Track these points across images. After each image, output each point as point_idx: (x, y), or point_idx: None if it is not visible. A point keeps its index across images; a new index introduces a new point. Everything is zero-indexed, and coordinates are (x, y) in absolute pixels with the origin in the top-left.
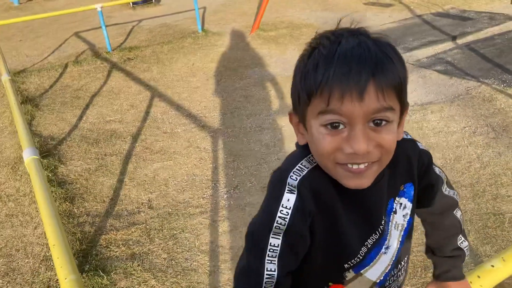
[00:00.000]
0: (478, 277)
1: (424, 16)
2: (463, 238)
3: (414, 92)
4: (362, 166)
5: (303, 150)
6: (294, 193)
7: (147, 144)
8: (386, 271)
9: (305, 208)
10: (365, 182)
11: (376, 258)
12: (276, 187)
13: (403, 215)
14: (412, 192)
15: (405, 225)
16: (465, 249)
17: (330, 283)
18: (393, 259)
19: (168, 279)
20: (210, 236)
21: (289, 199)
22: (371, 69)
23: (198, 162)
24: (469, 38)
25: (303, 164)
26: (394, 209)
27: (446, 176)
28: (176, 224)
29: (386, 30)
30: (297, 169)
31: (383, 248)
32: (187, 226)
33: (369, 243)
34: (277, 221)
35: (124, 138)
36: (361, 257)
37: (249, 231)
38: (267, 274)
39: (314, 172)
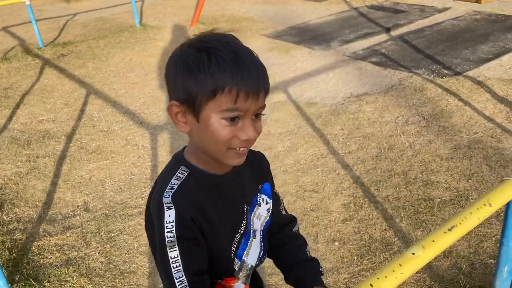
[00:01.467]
0: (400, 265)
1: (360, 9)
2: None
3: (351, 83)
4: (245, 149)
5: (173, 166)
6: (172, 208)
7: (82, 143)
8: (260, 255)
9: (185, 215)
10: (243, 160)
11: (249, 242)
12: (156, 210)
13: (267, 209)
14: (270, 190)
15: (267, 218)
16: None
17: (223, 277)
18: (261, 244)
19: (106, 283)
20: None
21: (170, 215)
22: (263, 79)
23: (136, 161)
24: (402, 30)
25: (172, 183)
26: (258, 203)
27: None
28: (114, 226)
29: (323, 23)
30: (168, 188)
31: (251, 232)
32: (125, 228)
33: (241, 230)
34: (167, 236)
35: (57, 138)
36: (236, 243)
37: (155, 259)
38: (177, 282)
39: (185, 185)
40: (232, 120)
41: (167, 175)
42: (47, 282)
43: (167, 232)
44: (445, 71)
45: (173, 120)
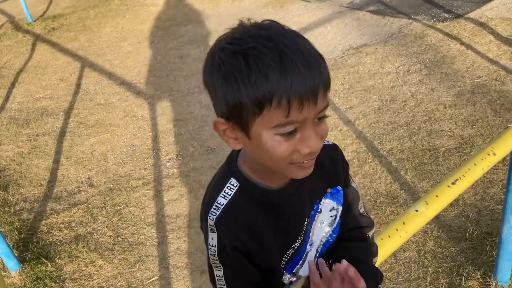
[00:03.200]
0: (403, 223)
1: None
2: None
3: (349, 35)
4: (311, 160)
5: (222, 176)
6: (215, 232)
7: (81, 118)
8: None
9: (228, 245)
10: (310, 171)
11: (304, 256)
12: (203, 226)
13: (331, 216)
14: (341, 195)
15: (335, 225)
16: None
17: None
18: (317, 253)
19: (116, 256)
20: (155, 207)
21: (213, 238)
22: (318, 74)
23: (136, 132)
24: None
25: (218, 202)
26: (319, 210)
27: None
28: (119, 199)
29: None
30: (213, 208)
31: (308, 245)
32: (130, 200)
33: (296, 245)
34: (211, 257)
35: (56, 115)
36: (288, 257)
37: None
38: None
39: (232, 205)
40: (289, 134)
41: (216, 188)
42: (58, 259)
43: (211, 254)
44: (446, 15)
45: (222, 137)
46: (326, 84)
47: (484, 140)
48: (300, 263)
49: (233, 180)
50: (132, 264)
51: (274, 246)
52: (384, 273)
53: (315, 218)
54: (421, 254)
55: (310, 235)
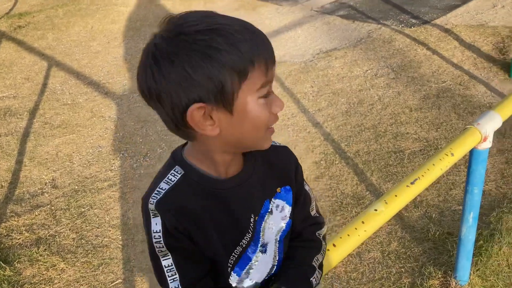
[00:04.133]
0: (362, 222)
1: None
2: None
3: (319, 39)
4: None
5: (167, 166)
6: (158, 216)
7: (46, 119)
8: (271, 272)
9: (171, 226)
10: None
11: (254, 257)
12: (144, 216)
13: (282, 217)
14: (291, 195)
15: (284, 227)
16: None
17: None
18: (277, 258)
19: (79, 260)
20: (120, 209)
21: (156, 223)
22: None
23: (103, 133)
24: None
25: (160, 187)
26: (269, 210)
27: (314, 197)
28: (84, 201)
29: None
30: (155, 193)
31: (259, 246)
32: (95, 202)
33: (244, 243)
34: (157, 246)
35: (20, 114)
36: (236, 256)
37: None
38: None
39: (174, 189)
40: (266, 96)
41: (159, 177)
42: (17, 263)
43: (156, 242)
44: (413, 21)
45: (197, 128)
46: None
47: (448, 142)
48: (249, 264)
49: (177, 168)
50: (96, 267)
51: (217, 238)
52: (348, 274)
53: (265, 218)
54: (385, 255)
55: (261, 235)
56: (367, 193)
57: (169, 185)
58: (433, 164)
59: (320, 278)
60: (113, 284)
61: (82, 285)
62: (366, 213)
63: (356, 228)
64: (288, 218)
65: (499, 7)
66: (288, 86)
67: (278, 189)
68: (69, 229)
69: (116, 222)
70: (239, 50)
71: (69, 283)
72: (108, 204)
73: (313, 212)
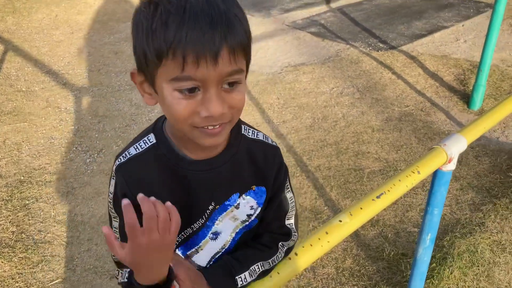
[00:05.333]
0: (326, 233)
1: None
2: (259, 270)
3: (289, 53)
4: (217, 127)
5: (145, 130)
6: (114, 178)
7: None
8: (215, 258)
9: (121, 192)
10: (219, 140)
11: (202, 242)
12: (111, 172)
13: (247, 215)
14: (264, 197)
15: (247, 223)
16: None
17: None
18: (225, 247)
19: (17, 255)
20: (68, 204)
21: (111, 184)
22: (223, 32)
23: (57, 124)
24: (341, 2)
25: (129, 151)
26: (237, 204)
27: (295, 208)
28: (29, 193)
29: None
30: (122, 155)
31: (210, 233)
32: (41, 195)
33: (194, 226)
34: (109, 206)
35: None
36: (184, 237)
37: None
38: (112, 255)
39: (139, 157)
40: (190, 91)
41: (133, 140)
42: None
43: (109, 202)
44: (381, 45)
45: (139, 90)
46: (234, 46)
47: (407, 165)
48: (196, 248)
49: (151, 136)
50: (35, 264)
51: None
52: None
53: (228, 210)
54: (339, 271)
55: (215, 223)
56: (325, 208)
57: (136, 151)
58: (399, 180)
59: (250, 283)
60: (52, 283)
61: (17, 282)
62: (330, 223)
63: (319, 239)
64: (255, 218)
65: (462, 41)
66: (255, 95)
67: (253, 187)
68: (9, 222)
69: (62, 217)
70: (163, 32)
71: (3, 279)
72: (55, 199)
73: (288, 222)
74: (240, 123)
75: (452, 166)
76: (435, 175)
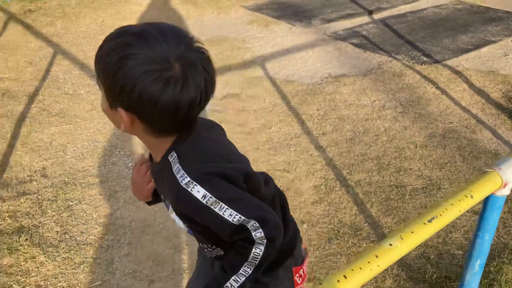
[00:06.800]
0: (376, 256)
1: None
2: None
3: (329, 64)
4: None
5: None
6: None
7: (44, 105)
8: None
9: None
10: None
11: (169, 210)
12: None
13: (177, 220)
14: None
15: (188, 228)
16: None
17: None
18: (185, 229)
19: (60, 255)
20: (110, 208)
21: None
22: None
23: (102, 127)
24: (384, 14)
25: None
26: (170, 208)
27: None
28: (73, 194)
29: (306, 0)
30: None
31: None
32: (84, 197)
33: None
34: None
35: (18, 98)
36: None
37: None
38: None
39: None
40: None
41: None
42: None
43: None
44: (425, 58)
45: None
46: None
47: (451, 184)
48: (169, 210)
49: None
50: (77, 265)
51: None
52: None
53: (170, 208)
54: None
55: (169, 209)
56: (365, 224)
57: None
58: (451, 204)
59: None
60: (93, 285)
61: (60, 281)
62: (380, 247)
63: (369, 262)
64: (188, 228)
65: (511, 56)
66: (294, 106)
67: (169, 203)
68: (54, 222)
69: (104, 220)
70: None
71: (47, 277)
72: (97, 201)
73: (238, 237)
74: (174, 149)
75: (507, 191)
76: (488, 199)
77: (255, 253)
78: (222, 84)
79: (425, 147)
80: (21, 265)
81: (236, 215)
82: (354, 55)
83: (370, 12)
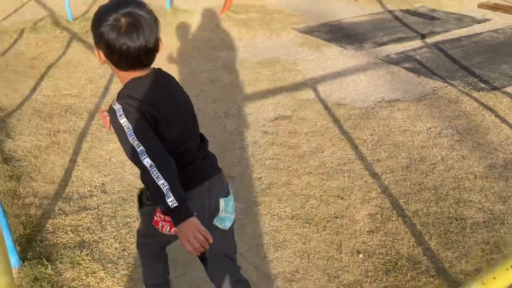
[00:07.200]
0: None
1: (394, 12)
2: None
3: (382, 88)
4: None
5: None
6: None
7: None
8: None
9: None
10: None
11: None
12: None
13: None
14: None
15: None
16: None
17: None
18: None
19: (119, 271)
20: (168, 227)
21: None
22: None
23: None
24: (438, 38)
25: None
26: None
27: None
28: (131, 211)
29: (357, 23)
30: None
31: None
32: None
33: None
34: None
35: (80, 114)
36: None
37: None
38: None
39: None
40: None
41: None
42: (59, 263)
43: None
44: (482, 85)
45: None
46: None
47: None
48: None
49: None
50: (135, 282)
51: None
52: None
53: None
54: None
55: None
56: (424, 257)
57: None
58: None
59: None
60: None
61: None
62: None
63: None
64: None
65: None
66: (347, 130)
67: None
68: (113, 238)
69: None
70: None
71: None
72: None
73: None
74: (125, 84)
75: None
76: None
77: None
78: (273, 106)
79: (485, 178)
80: (82, 279)
81: (133, 139)
82: (407, 80)
83: (423, 36)
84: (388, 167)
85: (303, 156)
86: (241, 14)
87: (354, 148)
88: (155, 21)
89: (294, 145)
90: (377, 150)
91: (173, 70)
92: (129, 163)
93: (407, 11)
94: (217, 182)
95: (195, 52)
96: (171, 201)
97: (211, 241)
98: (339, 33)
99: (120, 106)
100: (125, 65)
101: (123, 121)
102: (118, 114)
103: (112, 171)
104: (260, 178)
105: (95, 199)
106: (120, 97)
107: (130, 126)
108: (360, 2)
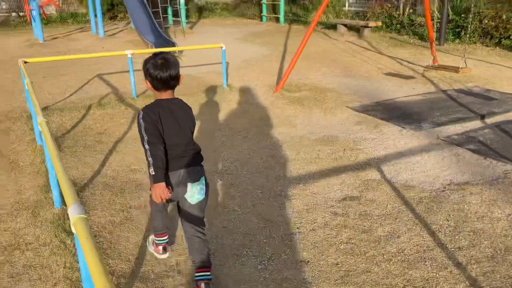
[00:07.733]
0: None
1: (448, 92)
2: None
3: (448, 169)
4: None
5: None
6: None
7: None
8: None
9: None
10: None
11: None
12: None
13: None
14: None
15: None
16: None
17: None
18: None
19: None
20: None
21: None
22: None
23: (227, 224)
24: (498, 118)
25: None
26: None
27: None
28: None
29: (411, 102)
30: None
31: None
32: None
33: None
34: None
35: (149, 190)
36: None
37: None
38: None
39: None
40: None
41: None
42: None
43: None
44: None
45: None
46: None
47: None
48: None
49: None
50: None
51: None
52: None
53: None
54: None
55: None
56: None
57: None
58: None
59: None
60: None
61: None
62: None
63: None
64: None
65: None
66: (420, 213)
67: None
68: None
69: None
70: None
71: None
72: None
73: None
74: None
75: None
76: None
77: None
78: (339, 186)
79: None
80: None
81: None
82: (474, 162)
83: (482, 117)
84: (472, 256)
85: (379, 242)
86: (294, 93)
87: (431, 234)
88: (177, 62)
89: (367, 229)
90: (457, 237)
91: (234, 148)
92: None
93: (461, 91)
94: (191, 172)
95: (254, 129)
96: (151, 170)
97: (168, 197)
98: (395, 113)
99: (142, 113)
100: (159, 87)
101: (141, 121)
102: (140, 117)
103: (185, 250)
104: (337, 264)
105: (171, 280)
106: (145, 108)
107: (143, 125)
108: (412, 81)
